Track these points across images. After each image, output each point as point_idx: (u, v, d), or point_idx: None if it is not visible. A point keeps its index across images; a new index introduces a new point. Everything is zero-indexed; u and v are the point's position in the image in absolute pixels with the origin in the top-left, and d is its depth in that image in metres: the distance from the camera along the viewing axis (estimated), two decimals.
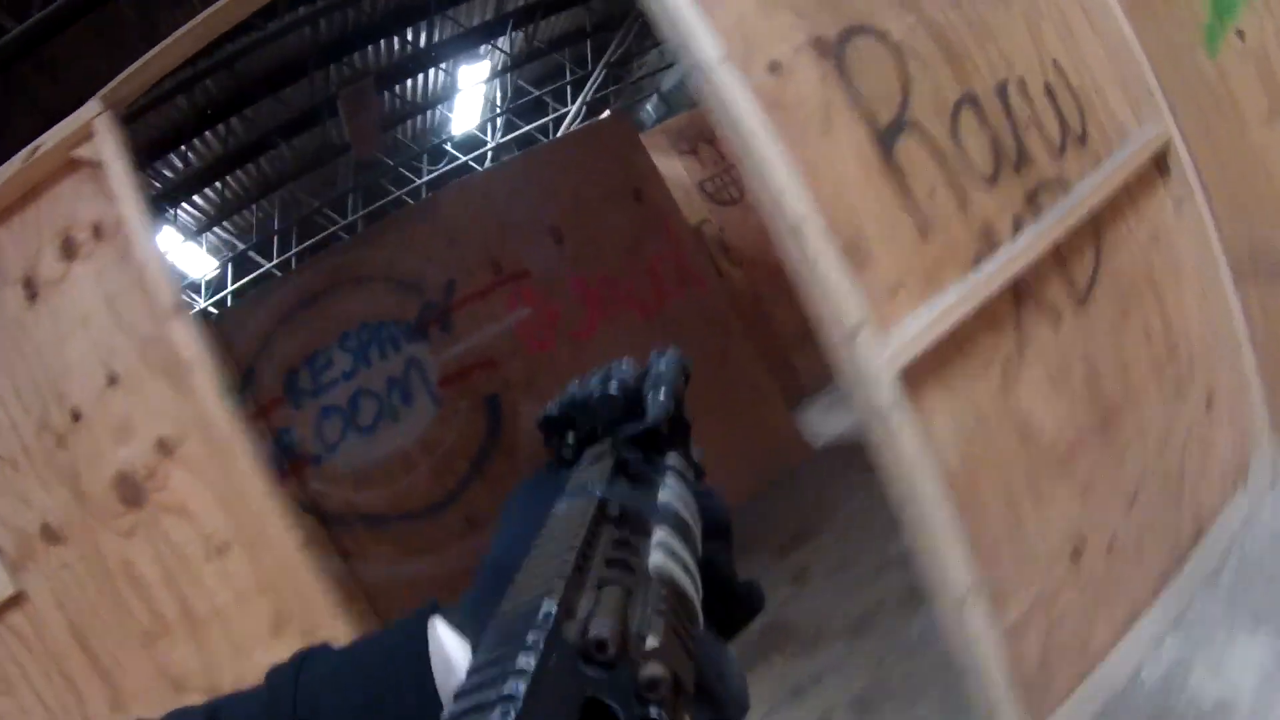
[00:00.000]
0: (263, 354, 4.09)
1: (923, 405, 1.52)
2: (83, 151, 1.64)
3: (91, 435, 1.72)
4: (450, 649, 0.47)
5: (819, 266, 1.40)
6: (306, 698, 0.47)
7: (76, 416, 1.72)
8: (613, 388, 0.53)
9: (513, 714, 0.25)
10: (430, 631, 0.48)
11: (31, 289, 1.70)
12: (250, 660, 1.71)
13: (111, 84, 1.68)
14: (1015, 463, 1.70)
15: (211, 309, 7.64)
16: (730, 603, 0.45)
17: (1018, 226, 1.59)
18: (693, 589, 0.38)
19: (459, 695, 0.27)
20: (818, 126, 1.47)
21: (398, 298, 4.14)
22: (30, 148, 1.62)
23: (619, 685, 0.29)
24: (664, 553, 0.38)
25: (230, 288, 8.01)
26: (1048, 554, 1.79)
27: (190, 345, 1.67)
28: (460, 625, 0.48)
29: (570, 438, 0.53)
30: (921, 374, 1.51)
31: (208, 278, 7.77)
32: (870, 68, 1.51)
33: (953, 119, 1.55)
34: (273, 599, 1.70)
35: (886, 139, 1.50)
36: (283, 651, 1.33)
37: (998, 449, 1.67)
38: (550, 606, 0.30)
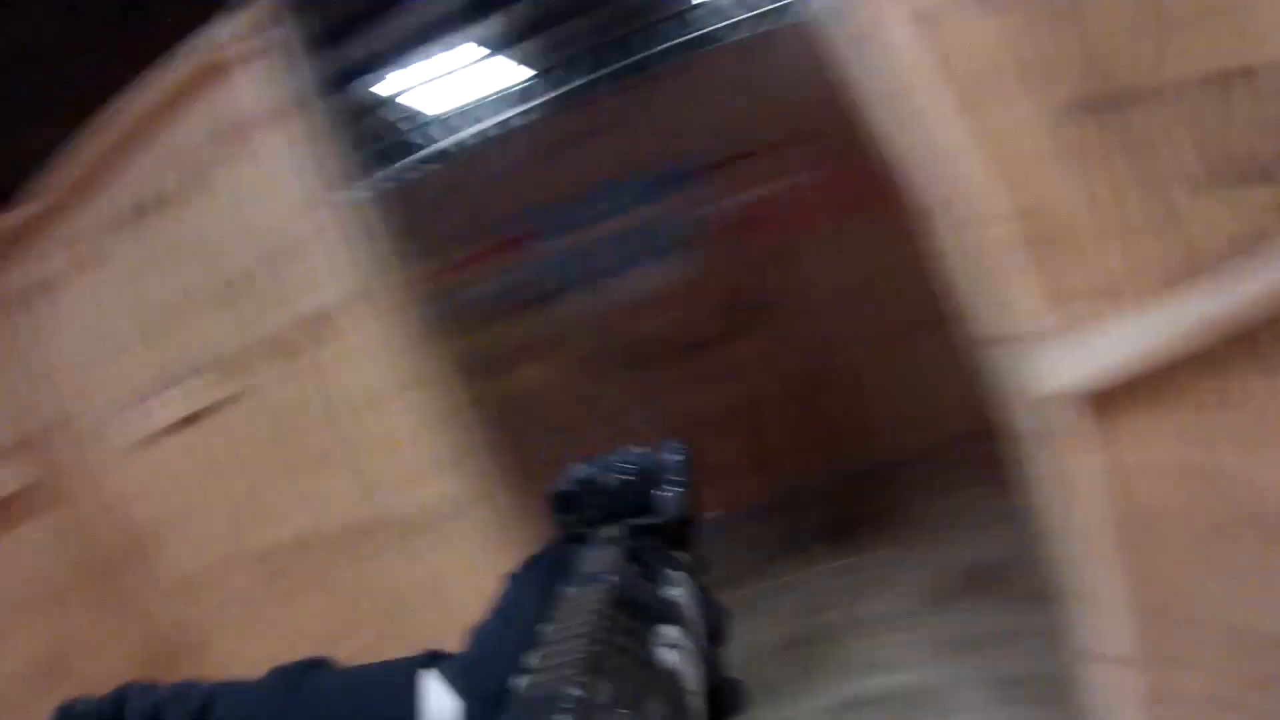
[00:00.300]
0: (522, 187, 4.24)
1: (1109, 438, 1.14)
2: (243, 47, 1.78)
3: (279, 287, 1.95)
4: (439, 704, 0.48)
5: (985, 254, 1.08)
6: (297, 710, 0.50)
7: (265, 270, 1.97)
8: (626, 476, 0.54)
9: None
10: (421, 682, 0.49)
11: (219, 161, 1.94)
12: (408, 494, 1.91)
13: None
14: (1228, 528, 1.25)
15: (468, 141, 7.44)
16: (718, 702, 0.45)
17: None
18: (695, 686, 0.40)
19: None
20: (993, 88, 1.09)
21: (661, 149, 4.03)
22: (206, 39, 1.82)
23: None
24: (676, 652, 0.40)
25: (505, 116, 7.76)
26: (1251, 642, 1.33)
27: (333, 226, 1.81)
28: (451, 681, 0.49)
29: (579, 517, 0.54)
30: (1112, 401, 1.12)
31: (481, 104, 7.60)
32: (1080, 16, 1.06)
33: (1219, 88, 1.02)
34: (422, 448, 1.86)
35: (1097, 109, 1.07)
36: (432, 489, 1.73)
37: (1206, 507, 1.23)
38: (576, 692, 0.31)
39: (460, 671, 0.50)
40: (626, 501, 0.53)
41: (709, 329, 4.22)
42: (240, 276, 2.00)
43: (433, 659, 0.51)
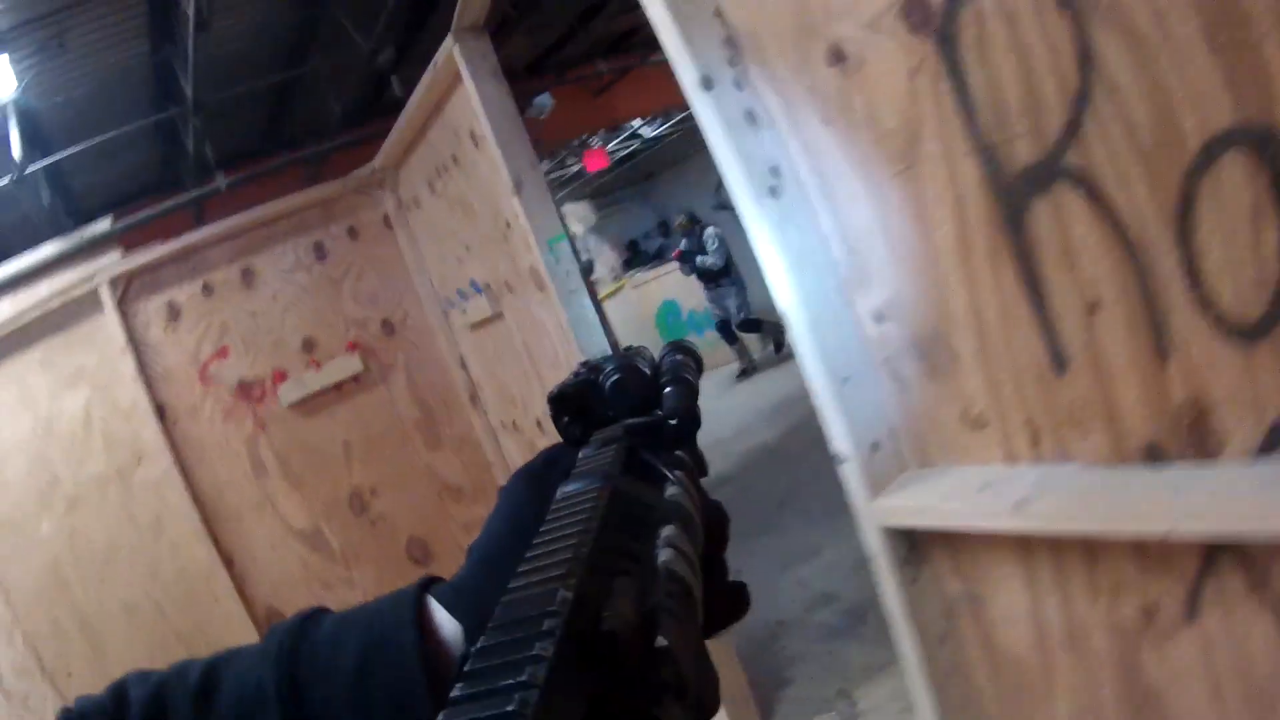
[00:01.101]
0: None
1: (954, 570, 0.87)
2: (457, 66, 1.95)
3: (514, 238, 2.20)
4: (440, 627, 0.45)
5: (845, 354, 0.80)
6: (301, 659, 0.46)
7: (509, 224, 2.21)
8: (629, 375, 0.49)
9: (531, 701, 0.22)
10: (420, 608, 0.45)
11: (475, 139, 2.14)
12: None
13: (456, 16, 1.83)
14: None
15: None
16: (720, 603, 0.41)
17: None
18: (696, 589, 0.34)
19: (469, 676, 0.24)
20: (897, 155, 0.76)
21: None
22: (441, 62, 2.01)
23: (629, 678, 0.26)
24: (674, 551, 0.35)
25: None
26: None
27: (518, 215, 2.03)
28: (449, 603, 0.45)
29: (578, 420, 0.49)
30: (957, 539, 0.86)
31: None
32: (1008, 54, 0.66)
33: (1187, 181, 0.60)
34: None
35: (1016, 195, 0.69)
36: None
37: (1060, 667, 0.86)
38: (566, 594, 0.27)
39: (458, 592, 0.46)
40: (625, 401, 0.48)
41: None
42: (497, 228, 2.31)
43: (430, 583, 0.47)
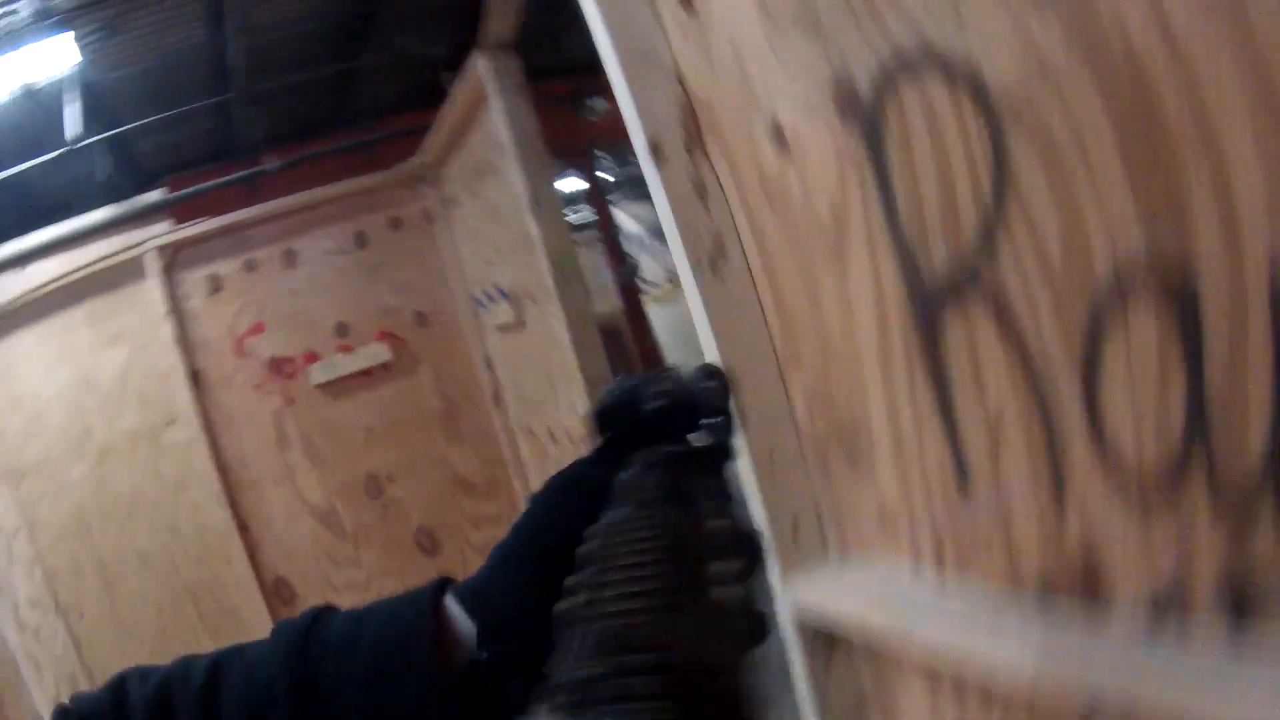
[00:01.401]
0: None
1: (866, 666, 0.82)
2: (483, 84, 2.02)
3: (530, 253, 2.19)
4: (456, 628, 0.44)
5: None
6: (314, 658, 0.44)
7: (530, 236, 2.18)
8: (666, 400, 0.48)
9: None
10: (437, 608, 0.45)
11: (504, 149, 2.13)
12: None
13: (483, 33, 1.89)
14: None
15: None
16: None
17: (1179, 603, 0.52)
18: (746, 621, 0.35)
19: (548, 696, 0.25)
20: (827, 242, 0.71)
21: None
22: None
23: (697, 710, 0.27)
24: (729, 585, 0.36)
25: None
26: None
27: (534, 228, 2.07)
28: (466, 603, 0.45)
29: (615, 438, 0.49)
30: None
31: None
32: (928, 153, 0.61)
33: (1094, 311, 0.53)
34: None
35: (931, 301, 0.64)
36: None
37: None
38: (646, 628, 0.28)
39: (476, 593, 0.45)
40: (666, 426, 0.47)
41: None
42: (522, 238, 2.33)
43: (445, 584, 0.46)
